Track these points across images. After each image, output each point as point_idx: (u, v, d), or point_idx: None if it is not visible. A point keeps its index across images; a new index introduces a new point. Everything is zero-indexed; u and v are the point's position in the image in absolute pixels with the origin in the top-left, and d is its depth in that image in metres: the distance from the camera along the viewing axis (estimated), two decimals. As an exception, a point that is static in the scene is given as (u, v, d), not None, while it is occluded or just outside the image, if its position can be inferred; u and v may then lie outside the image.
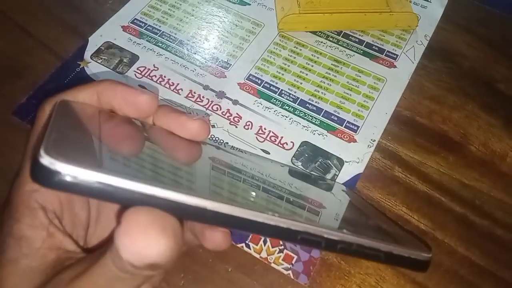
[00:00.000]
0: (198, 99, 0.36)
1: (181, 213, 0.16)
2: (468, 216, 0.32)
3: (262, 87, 0.37)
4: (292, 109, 0.36)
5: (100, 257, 0.17)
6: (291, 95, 0.37)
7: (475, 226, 0.31)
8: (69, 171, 0.14)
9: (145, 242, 0.15)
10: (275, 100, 0.36)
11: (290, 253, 0.30)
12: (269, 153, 0.33)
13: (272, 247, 0.30)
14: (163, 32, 0.40)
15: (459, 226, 0.31)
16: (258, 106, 0.36)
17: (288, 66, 0.38)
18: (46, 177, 0.14)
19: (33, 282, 0.19)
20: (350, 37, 0.41)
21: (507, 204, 0.32)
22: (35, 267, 0.19)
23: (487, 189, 0.33)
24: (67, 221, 0.21)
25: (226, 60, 0.38)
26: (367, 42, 0.40)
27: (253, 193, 0.23)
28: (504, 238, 0.31)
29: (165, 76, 0.37)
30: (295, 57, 0.39)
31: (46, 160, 0.14)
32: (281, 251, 0.30)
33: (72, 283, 0.18)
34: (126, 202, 0.15)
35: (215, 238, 0.21)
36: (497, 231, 0.31)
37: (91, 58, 0.38)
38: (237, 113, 0.35)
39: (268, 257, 0.30)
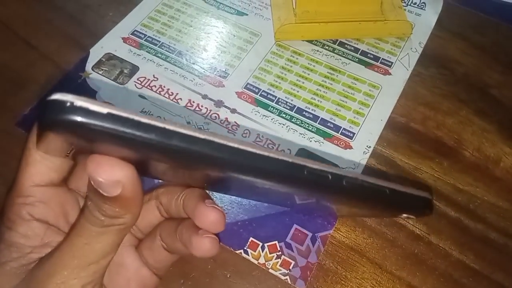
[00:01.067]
0: (197, 108, 0.37)
1: (192, 148, 0.15)
2: (462, 220, 0.32)
3: (259, 95, 0.38)
4: (289, 117, 0.37)
5: (75, 224, 0.19)
6: (288, 103, 0.37)
7: (469, 230, 0.32)
8: (81, 103, 0.14)
9: (109, 165, 0.17)
10: (272, 108, 0.37)
11: (287, 258, 0.31)
12: (266, 161, 0.34)
13: (270, 253, 0.31)
14: (162, 43, 0.41)
15: (454, 230, 0.32)
16: (255, 114, 0.37)
17: (285, 74, 0.39)
18: (57, 112, 0.13)
19: (21, 278, 0.20)
20: (346, 45, 0.41)
21: (501, 208, 0.33)
22: (24, 267, 0.20)
23: (481, 193, 0.34)
24: (65, 230, 0.22)
25: (224, 70, 0.39)
26: (362, 50, 0.41)
27: None
28: (497, 241, 0.32)
29: (164, 86, 0.38)
30: (291, 66, 0.40)
31: (57, 95, 0.14)
32: (278, 256, 0.31)
33: (55, 252, 0.19)
34: (138, 138, 0.14)
35: (202, 244, 0.22)
36: (491, 235, 0.32)
37: (92, 69, 0.39)
38: (235, 122, 0.36)
39: (266, 263, 0.30)
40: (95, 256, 0.19)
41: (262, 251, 0.31)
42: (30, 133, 0.22)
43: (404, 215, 0.21)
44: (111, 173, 0.17)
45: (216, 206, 0.22)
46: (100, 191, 0.17)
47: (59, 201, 0.22)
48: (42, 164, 0.21)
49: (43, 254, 0.21)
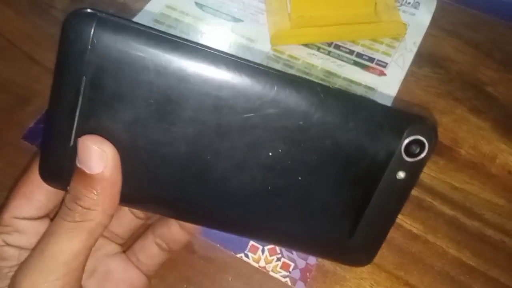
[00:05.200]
0: (196, 116, 0.38)
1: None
2: (458, 218, 0.33)
3: (256, 101, 0.39)
4: (286, 121, 0.37)
5: (48, 227, 0.20)
6: (285, 108, 0.38)
7: (466, 228, 0.33)
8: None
9: (100, 139, 0.19)
10: (269, 114, 0.38)
11: (287, 261, 0.31)
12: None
13: (270, 256, 0.32)
14: (161, 53, 0.42)
15: (450, 228, 0.33)
16: (253, 120, 0.37)
17: (282, 79, 0.40)
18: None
19: None
20: (341, 48, 0.42)
21: (496, 205, 0.33)
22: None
23: (477, 191, 0.34)
24: None
25: (221, 77, 0.40)
26: (357, 52, 0.42)
27: None
28: (494, 238, 0.32)
29: (164, 96, 0.39)
30: (288, 70, 0.40)
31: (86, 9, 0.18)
32: (278, 259, 0.31)
33: (26, 258, 0.20)
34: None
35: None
36: (487, 232, 0.32)
37: (94, 81, 0.40)
38: (233, 128, 0.37)
39: (266, 266, 0.31)
40: (64, 256, 0.19)
41: (262, 254, 0.32)
42: (33, 161, 0.23)
43: (410, 139, 0.20)
44: (101, 143, 0.19)
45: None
46: (84, 168, 0.19)
47: (36, 232, 0.22)
48: (27, 200, 0.23)
49: None
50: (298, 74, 0.40)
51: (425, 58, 0.41)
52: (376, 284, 0.31)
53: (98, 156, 0.19)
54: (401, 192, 0.22)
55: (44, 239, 0.20)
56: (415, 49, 0.42)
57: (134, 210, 0.26)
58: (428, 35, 0.42)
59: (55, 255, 0.19)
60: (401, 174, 0.21)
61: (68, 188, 0.20)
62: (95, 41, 0.18)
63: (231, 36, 0.43)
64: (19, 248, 0.22)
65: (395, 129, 0.20)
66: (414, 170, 0.21)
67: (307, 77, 0.40)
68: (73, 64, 0.18)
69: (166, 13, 0.45)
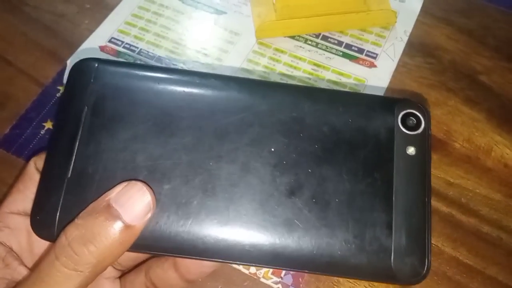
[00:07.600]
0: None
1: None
2: (454, 215, 0.32)
3: (242, 98, 0.37)
4: (273, 119, 0.36)
5: (40, 266, 0.18)
6: (272, 104, 0.37)
7: (462, 225, 0.32)
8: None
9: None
10: (256, 111, 0.36)
11: (278, 266, 0.30)
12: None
13: (261, 262, 0.30)
14: (140, 49, 0.40)
15: (446, 226, 0.32)
16: (239, 118, 0.36)
17: (268, 74, 0.38)
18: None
19: None
20: (329, 39, 0.40)
21: (493, 200, 0.32)
22: None
23: (472, 186, 0.33)
24: (27, 261, 0.22)
25: (205, 73, 0.38)
26: (346, 43, 0.40)
27: None
28: (491, 235, 0.31)
29: (145, 95, 0.37)
30: (274, 64, 0.39)
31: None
32: (269, 265, 0.30)
33: None
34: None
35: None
36: (484, 228, 0.31)
37: (71, 82, 0.38)
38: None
39: (257, 272, 0.30)
40: None
41: (253, 260, 0.30)
42: (23, 174, 0.22)
43: (402, 113, 0.21)
44: (153, 196, 0.18)
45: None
46: (119, 210, 0.17)
47: (27, 229, 0.22)
48: (21, 194, 0.22)
49: (6, 276, 0.20)
50: (284, 68, 0.38)
51: (416, 47, 0.39)
52: (371, 287, 0.30)
53: (146, 208, 0.18)
54: (419, 170, 0.21)
55: (34, 282, 0.18)
56: (406, 38, 0.40)
57: None
58: (419, 23, 0.41)
59: None
60: (411, 149, 0.21)
61: (76, 221, 0.18)
62: (97, 74, 0.21)
63: (214, 30, 0.41)
64: (7, 248, 0.21)
65: (385, 108, 0.21)
66: (422, 143, 0.21)
67: (292, 74, 0.38)
68: (78, 96, 0.21)
69: (144, 7, 0.43)
